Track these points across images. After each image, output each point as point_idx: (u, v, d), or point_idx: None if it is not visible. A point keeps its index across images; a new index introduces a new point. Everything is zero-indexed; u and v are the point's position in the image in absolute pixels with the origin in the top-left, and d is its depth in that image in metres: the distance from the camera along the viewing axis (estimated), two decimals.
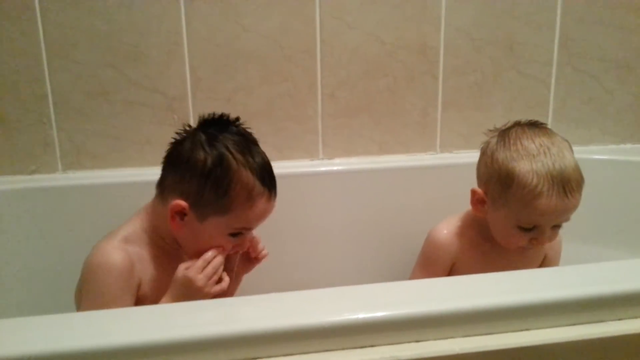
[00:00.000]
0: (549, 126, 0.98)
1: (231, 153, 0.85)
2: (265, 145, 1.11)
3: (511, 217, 0.91)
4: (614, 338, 0.64)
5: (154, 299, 0.86)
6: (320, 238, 1.23)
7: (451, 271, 1.01)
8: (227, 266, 0.92)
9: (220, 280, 0.86)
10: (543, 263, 1.04)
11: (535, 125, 0.95)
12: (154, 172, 0.91)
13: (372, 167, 1.25)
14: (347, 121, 1.26)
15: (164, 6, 1.13)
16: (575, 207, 0.90)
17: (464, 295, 0.66)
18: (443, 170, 1.26)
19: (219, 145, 0.85)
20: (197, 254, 0.86)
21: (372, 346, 0.62)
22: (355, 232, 1.24)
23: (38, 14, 1.10)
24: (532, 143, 0.90)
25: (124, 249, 0.85)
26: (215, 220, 0.86)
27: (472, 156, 1.28)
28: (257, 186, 0.85)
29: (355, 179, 1.23)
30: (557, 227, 0.93)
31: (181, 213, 0.86)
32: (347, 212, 1.23)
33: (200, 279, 0.83)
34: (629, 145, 1.38)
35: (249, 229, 0.90)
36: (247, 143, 0.88)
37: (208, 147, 0.85)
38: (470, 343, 0.62)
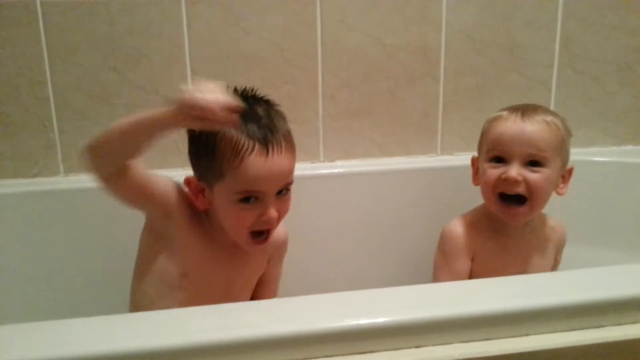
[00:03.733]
0: None
1: None
2: None
3: (483, 154, 0.97)
4: (613, 343, 0.65)
5: (200, 280, 0.88)
6: (321, 241, 1.23)
7: (472, 265, 1.00)
8: None
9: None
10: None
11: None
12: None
13: (372, 169, 1.25)
14: (348, 123, 1.26)
15: (166, 9, 1.13)
16: (534, 136, 0.91)
17: (464, 301, 0.66)
18: (444, 172, 1.26)
19: None
20: (234, 234, 0.85)
21: (372, 352, 0.62)
22: (356, 234, 1.24)
23: (40, 17, 1.10)
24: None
25: None
26: (218, 187, 0.82)
27: None
28: (243, 140, 0.78)
29: (356, 181, 1.23)
30: (527, 166, 0.92)
31: (197, 189, 0.85)
32: (347, 215, 1.23)
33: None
34: (630, 147, 1.38)
35: (256, 191, 0.81)
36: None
37: None
38: (470, 349, 0.62)
